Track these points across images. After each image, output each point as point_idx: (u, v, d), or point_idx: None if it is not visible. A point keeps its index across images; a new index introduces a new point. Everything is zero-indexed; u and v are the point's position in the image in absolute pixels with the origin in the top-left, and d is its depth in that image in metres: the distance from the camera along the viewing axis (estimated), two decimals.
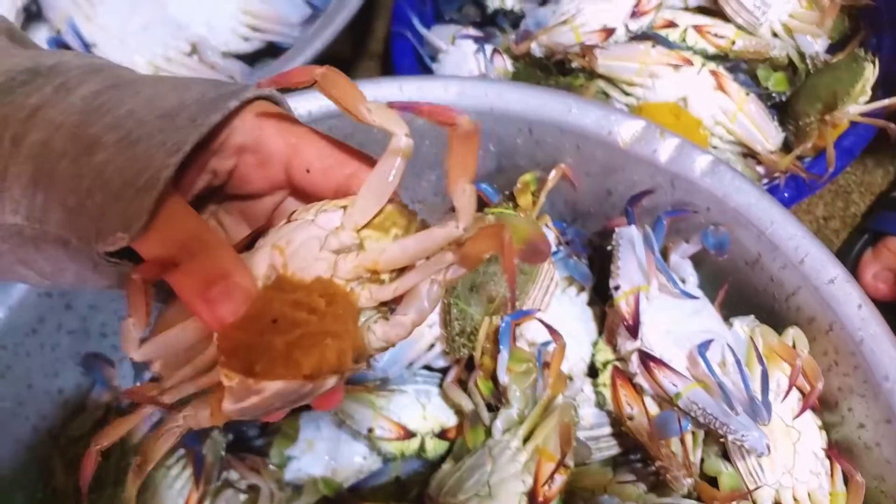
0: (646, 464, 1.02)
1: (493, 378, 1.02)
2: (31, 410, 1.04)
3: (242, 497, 1.07)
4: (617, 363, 1.00)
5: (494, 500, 0.91)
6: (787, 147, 1.27)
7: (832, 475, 0.94)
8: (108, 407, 1.10)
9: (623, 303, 0.98)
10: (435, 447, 1.09)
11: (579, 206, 1.13)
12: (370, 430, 1.05)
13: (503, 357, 0.98)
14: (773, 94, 1.30)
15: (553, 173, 1.06)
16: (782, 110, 1.29)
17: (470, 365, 1.07)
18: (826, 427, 0.97)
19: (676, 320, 0.97)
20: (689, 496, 0.95)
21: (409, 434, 1.06)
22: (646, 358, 0.94)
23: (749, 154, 1.26)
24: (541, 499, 0.90)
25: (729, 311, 1.02)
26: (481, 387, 1.02)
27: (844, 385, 0.94)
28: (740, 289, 1.03)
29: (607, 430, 1.02)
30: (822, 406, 0.97)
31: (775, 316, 0.99)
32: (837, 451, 0.95)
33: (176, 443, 0.99)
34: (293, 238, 0.56)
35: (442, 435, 1.09)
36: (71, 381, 1.09)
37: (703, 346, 0.92)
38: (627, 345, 0.97)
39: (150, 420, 1.08)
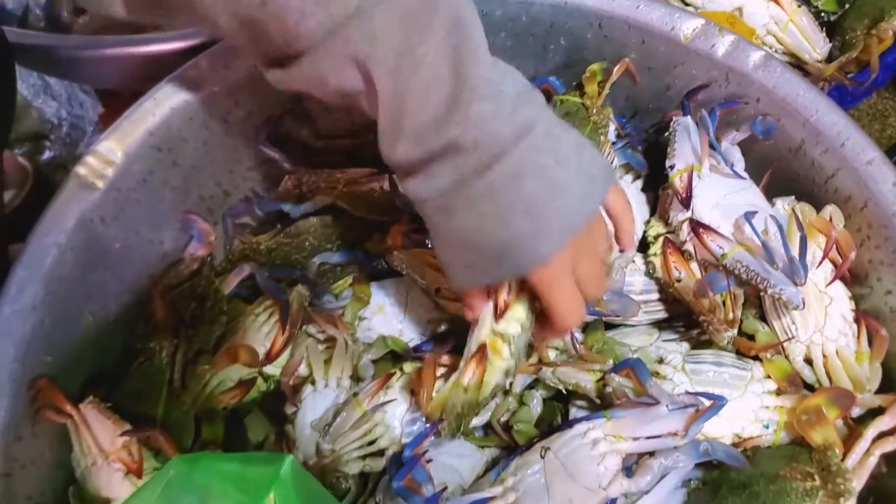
0: (688, 328, 1.13)
1: None
2: (136, 255, 1.16)
3: (321, 347, 1.18)
4: (668, 235, 1.11)
5: None
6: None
7: (858, 338, 1.04)
8: (202, 260, 1.23)
9: (677, 179, 1.08)
10: None
11: (639, 101, 1.23)
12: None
13: None
14: (822, 13, 1.39)
15: (618, 66, 1.17)
16: (830, 30, 1.39)
17: None
18: (855, 299, 1.07)
19: (725, 195, 1.08)
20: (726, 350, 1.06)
21: None
22: (696, 225, 1.05)
23: (796, 65, 1.35)
24: None
25: (771, 196, 1.12)
26: None
27: (875, 258, 1.04)
28: (782, 175, 1.13)
29: (655, 295, 1.12)
30: (853, 279, 1.07)
31: (814, 199, 1.09)
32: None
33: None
34: None
35: None
36: (170, 235, 1.21)
37: (750, 214, 1.02)
38: (679, 216, 1.08)
39: (240, 274, 1.21)
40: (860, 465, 0.94)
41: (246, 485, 0.68)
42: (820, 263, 1.04)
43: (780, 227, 1.02)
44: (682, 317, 1.14)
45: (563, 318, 0.88)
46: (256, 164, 1.25)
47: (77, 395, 1.09)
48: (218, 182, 1.24)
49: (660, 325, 1.15)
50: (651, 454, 0.99)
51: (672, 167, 1.09)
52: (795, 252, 1.00)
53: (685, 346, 1.09)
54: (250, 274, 1.22)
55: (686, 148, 1.10)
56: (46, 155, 1.80)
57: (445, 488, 1.02)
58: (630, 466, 1.00)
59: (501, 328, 0.97)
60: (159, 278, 1.20)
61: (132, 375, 1.13)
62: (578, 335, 1.12)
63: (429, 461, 1.09)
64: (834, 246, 1.04)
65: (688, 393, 0.98)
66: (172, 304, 1.17)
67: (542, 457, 1.01)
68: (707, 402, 0.96)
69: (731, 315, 1.02)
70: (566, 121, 1.15)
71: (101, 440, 1.05)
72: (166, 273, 1.20)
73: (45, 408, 1.04)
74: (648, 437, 0.98)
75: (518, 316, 0.96)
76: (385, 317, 1.23)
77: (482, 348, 0.96)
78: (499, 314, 0.95)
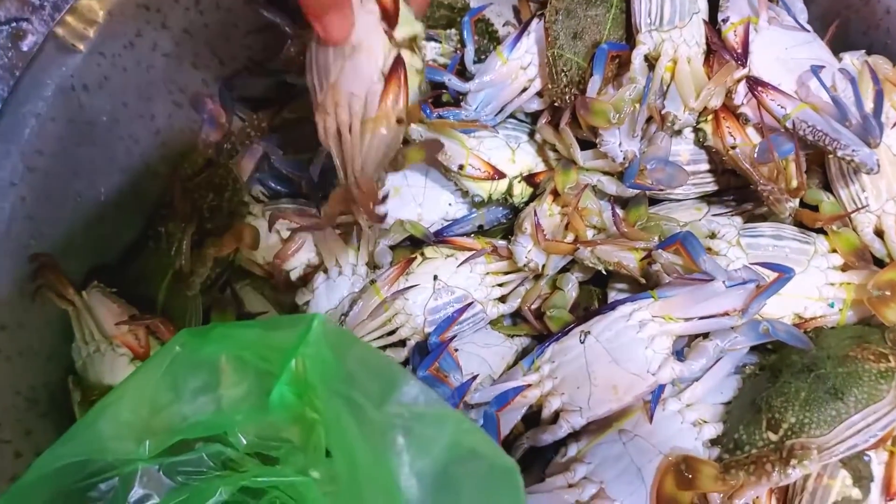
0: (740, 202, 1.02)
1: None
2: (125, 130, 1.05)
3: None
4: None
5: None
6: None
7: None
8: (217, 147, 1.13)
9: (731, 34, 0.96)
10: (522, 191, 1.09)
11: None
12: (461, 167, 1.05)
13: (595, 80, 0.97)
14: None
15: None
16: None
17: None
18: None
19: (786, 49, 0.95)
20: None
21: (499, 174, 1.06)
22: (754, 83, 0.93)
23: None
24: None
25: (836, 52, 1.00)
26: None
27: None
28: (851, 28, 1.01)
29: (704, 166, 1.01)
30: None
31: (889, 54, 0.97)
32: None
33: None
34: None
35: (529, 179, 1.09)
36: (162, 108, 1.09)
37: (816, 68, 0.90)
38: (735, 74, 0.96)
39: (254, 156, 1.10)
40: None
41: (268, 352, 0.58)
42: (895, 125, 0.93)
43: (852, 81, 0.90)
44: (732, 190, 1.03)
45: None
46: (255, 30, 1.12)
47: (78, 286, 1.01)
48: (213, 49, 1.11)
49: (709, 199, 1.04)
50: (705, 336, 0.90)
51: (726, 20, 0.97)
52: (869, 109, 0.89)
53: (738, 220, 0.99)
54: (264, 154, 1.11)
55: None
56: (29, 39, 1.67)
57: (475, 376, 0.93)
58: (680, 350, 0.91)
59: None
60: (177, 168, 1.10)
61: (139, 259, 1.05)
62: (619, 211, 1.01)
63: (455, 351, 1.01)
64: None
65: (746, 267, 0.88)
66: (189, 191, 1.08)
67: (582, 342, 0.92)
68: (769, 277, 0.86)
69: (794, 182, 0.91)
70: None
71: (106, 325, 0.96)
72: (181, 163, 1.11)
73: (46, 287, 0.95)
74: (702, 318, 0.88)
75: None
76: (402, 199, 1.12)
77: None
78: None
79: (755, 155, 0.93)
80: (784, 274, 0.84)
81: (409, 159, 0.92)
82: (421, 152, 0.93)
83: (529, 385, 0.91)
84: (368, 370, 0.53)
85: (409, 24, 0.83)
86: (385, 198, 0.90)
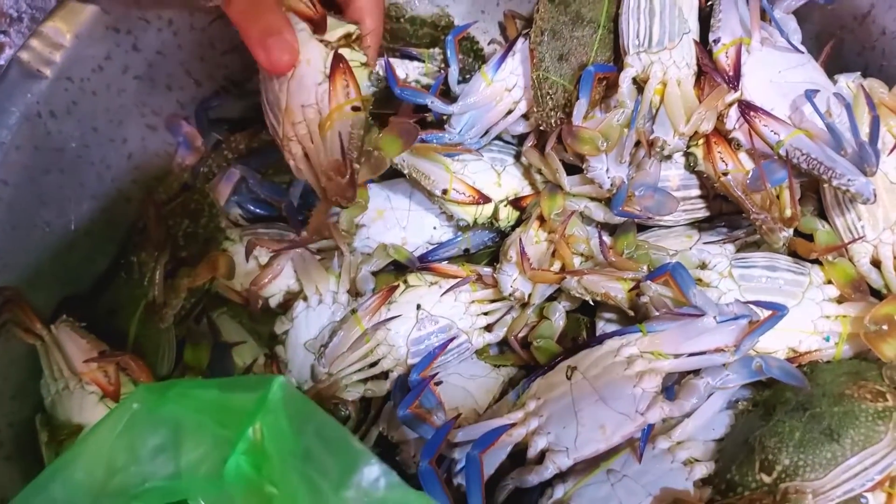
0: (732, 228, 0.99)
1: None
2: (95, 155, 1.02)
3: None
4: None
5: None
6: None
7: None
8: (193, 170, 1.09)
9: (723, 55, 0.92)
10: (508, 215, 1.06)
11: None
12: (444, 192, 1.02)
13: (581, 105, 0.94)
14: None
15: None
16: None
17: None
18: None
19: (780, 72, 0.92)
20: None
21: (484, 199, 1.03)
22: (746, 108, 0.90)
23: None
24: None
25: (831, 74, 0.97)
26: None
27: None
28: (845, 49, 0.97)
29: (695, 191, 0.98)
30: None
31: (884, 76, 0.94)
32: None
33: None
34: None
35: (515, 203, 1.06)
36: (135, 132, 1.06)
37: (810, 93, 0.87)
38: (726, 98, 0.92)
39: (231, 180, 1.07)
40: None
41: (226, 416, 0.55)
42: (893, 150, 0.89)
43: (847, 107, 0.87)
44: (724, 216, 1.00)
45: None
46: (232, 48, 1.08)
47: (48, 318, 0.97)
48: (188, 70, 1.07)
49: (699, 225, 1.01)
50: (695, 373, 0.86)
51: (717, 41, 0.94)
52: (865, 136, 0.86)
53: (730, 248, 0.96)
54: (241, 178, 1.08)
55: (733, 18, 0.94)
56: (6, 53, 1.64)
57: (459, 415, 0.89)
58: (670, 387, 0.87)
59: None
60: (151, 193, 1.07)
61: (111, 290, 1.02)
62: (607, 238, 0.98)
63: (438, 384, 0.97)
64: None
65: (738, 302, 0.84)
66: (164, 217, 1.05)
67: (569, 378, 0.88)
68: (762, 313, 0.82)
69: (788, 212, 0.88)
70: None
71: (75, 362, 0.93)
72: (155, 189, 1.08)
73: (12, 323, 0.92)
74: (692, 354, 0.85)
75: None
76: (385, 223, 1.09)
77: None
78: None
79: (747, 182, 0.89)
80: (777, 311, 0.81)
81: (386, 151, 0.90)
82: (397, 142, 0.91)
83: (514, 423, 0.88)
84: (327, 446, 0.50)
85: (339, 27, 0.83)
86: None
